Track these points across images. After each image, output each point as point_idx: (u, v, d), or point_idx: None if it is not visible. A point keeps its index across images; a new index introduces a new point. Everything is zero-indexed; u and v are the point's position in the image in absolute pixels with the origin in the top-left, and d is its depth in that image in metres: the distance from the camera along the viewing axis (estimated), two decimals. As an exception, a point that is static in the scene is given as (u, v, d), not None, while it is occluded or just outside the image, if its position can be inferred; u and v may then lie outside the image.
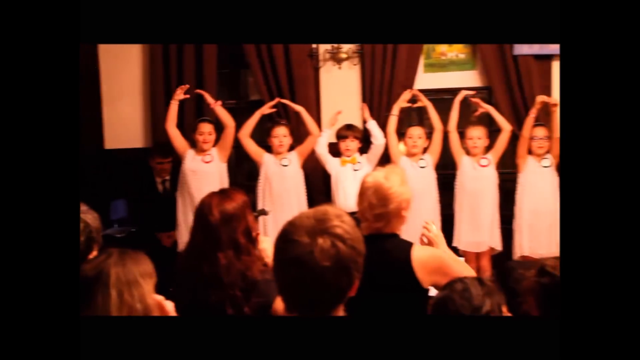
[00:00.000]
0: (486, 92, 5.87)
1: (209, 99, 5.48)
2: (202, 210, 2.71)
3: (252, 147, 5.49)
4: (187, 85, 5.51)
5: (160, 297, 2.16)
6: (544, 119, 5.31)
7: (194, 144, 5.48)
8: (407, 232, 2.85)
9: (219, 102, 5.48)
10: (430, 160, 5.42)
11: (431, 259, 2.69)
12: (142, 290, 1.99)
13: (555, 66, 5.63)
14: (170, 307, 2.18)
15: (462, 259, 5.01)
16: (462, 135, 5.46)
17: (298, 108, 5.53)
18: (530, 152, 5.33)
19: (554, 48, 5.52)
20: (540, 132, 5.27)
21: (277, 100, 5.64)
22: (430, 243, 2.90)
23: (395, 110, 5.48)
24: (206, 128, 5.41)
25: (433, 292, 2.63)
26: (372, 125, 5.49)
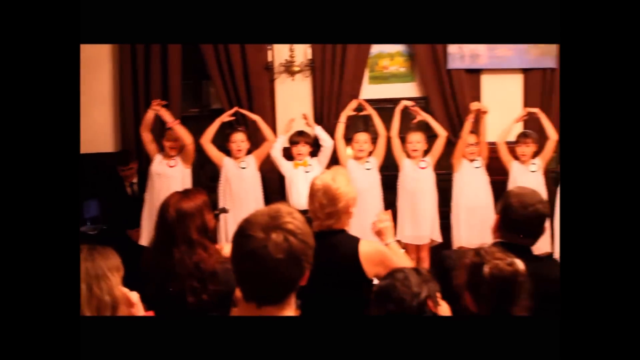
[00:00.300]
0: (424, 102, 5.92)
1: (167, 118, 5.38)
2: (162, 209, 2.71)
3: (213, 152, 5.46)
4: (165, 102, 5.48)
5: (126, 290, 2.13)
6: (474, 126, 5.39)
7: (162, 149, 5.45)
8: (353, 227, 2.87)
9: (177, 121, 5.40)
10: (375, 162, 5.45)
11: (375, 253, 2.70)
12: (110, 283, 1.97)
13: (484, 79, 5.74)
14: (135, 298, 2.16)
15: (404, 250, 5.09)
16: (403, 140, 5.50)
17: (254, 117, 5.52)
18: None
19: (482, 63, 5.64)
20: (471, 139, 5.37)
21: (235, 109, 5.63)
22: (379, 232, 2.92)
23: (343, 118, 5.51)
24: (173, 135, 5.38)
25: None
26: (319, 130, 5.52)
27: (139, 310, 2.18)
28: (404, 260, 2.80)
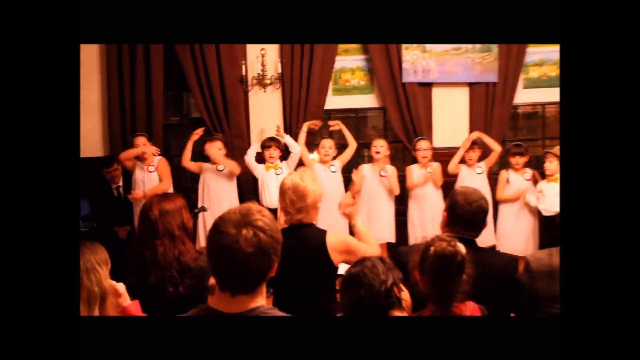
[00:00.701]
0: (382, 111, 5.98)
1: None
2: (145, 208, 2.69)
3: (192, 167, 5.45)
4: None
5: (114, 282, 2.09)
6: (426, 132, 5.42)
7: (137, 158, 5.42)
8: (320, 222, 2.86)
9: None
10: (339, 165, 5.47)
11: (340, 243, 2.70)
12: (99, 275, 1.94)
13: (435, 91, 5.80)
14: (122, 289, 2.13)
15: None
16: (368, 145, 5.55)
17: (218, 160, 5.38)
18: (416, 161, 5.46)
19: (433, 77, 5.71)
20: (424, 144, 5.39)
21: (201, 129, 5.54)
22: (348, 215, 2.91)
23: (304, 128, 5.53)
24: (140, 140, 5.34)
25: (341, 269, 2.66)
26: (288, 139, 5.49)
27: (126, 300, 2.15)
28: (371, 240, 2.82)
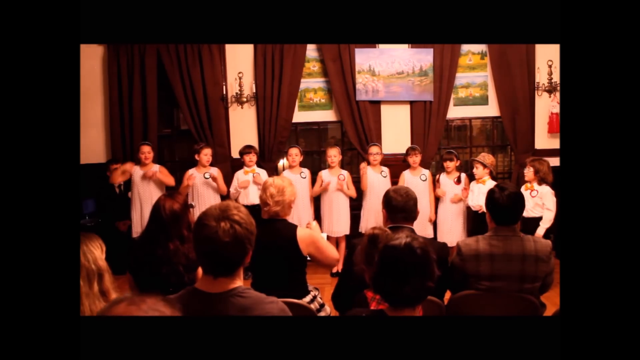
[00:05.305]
0: (340, 124, 5.98)
1: (149, 173, 5.11)
2: (157, 209, 2.55)
3: (186, 184, 5.20)
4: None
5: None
6: (376, 140, 5.43)
7: (137, 162, 5.27)
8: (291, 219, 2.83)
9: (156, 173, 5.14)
10: (307, 172, 5.38)
11: (308, 237, 2.70)
12: (93, 255, 1.92)
13: (383, 107, 5.81)
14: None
15: (326, 234, 5.11)
16: (324, 152, 5.50)
17: (215, 175, 5.22)
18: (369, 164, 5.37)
19: (381, 96, 5.73)
20: (375, 149, 5.34)
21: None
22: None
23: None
24: (146, 149, 5.21)
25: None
26: None
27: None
28: (327, 244, 2.80)
